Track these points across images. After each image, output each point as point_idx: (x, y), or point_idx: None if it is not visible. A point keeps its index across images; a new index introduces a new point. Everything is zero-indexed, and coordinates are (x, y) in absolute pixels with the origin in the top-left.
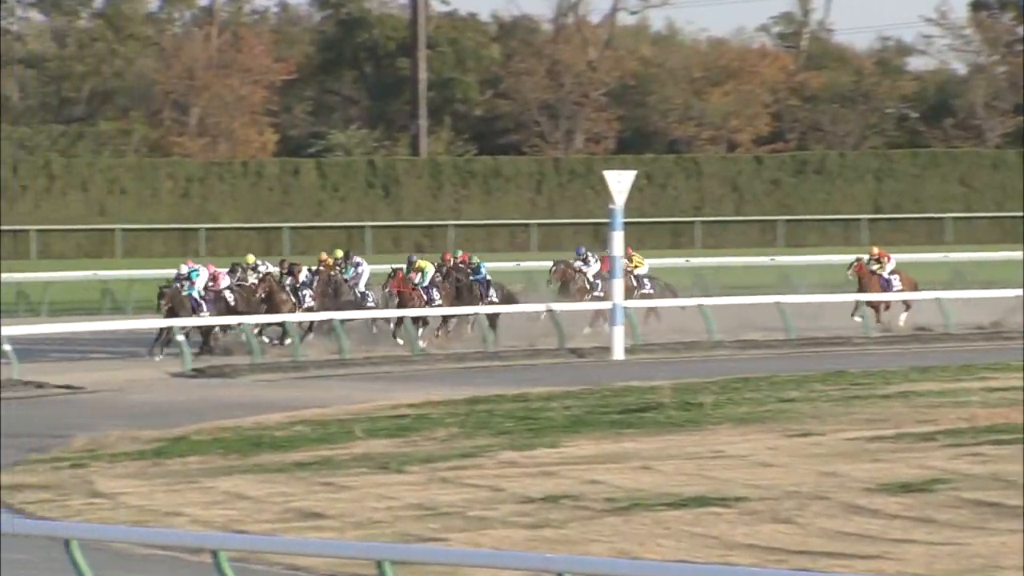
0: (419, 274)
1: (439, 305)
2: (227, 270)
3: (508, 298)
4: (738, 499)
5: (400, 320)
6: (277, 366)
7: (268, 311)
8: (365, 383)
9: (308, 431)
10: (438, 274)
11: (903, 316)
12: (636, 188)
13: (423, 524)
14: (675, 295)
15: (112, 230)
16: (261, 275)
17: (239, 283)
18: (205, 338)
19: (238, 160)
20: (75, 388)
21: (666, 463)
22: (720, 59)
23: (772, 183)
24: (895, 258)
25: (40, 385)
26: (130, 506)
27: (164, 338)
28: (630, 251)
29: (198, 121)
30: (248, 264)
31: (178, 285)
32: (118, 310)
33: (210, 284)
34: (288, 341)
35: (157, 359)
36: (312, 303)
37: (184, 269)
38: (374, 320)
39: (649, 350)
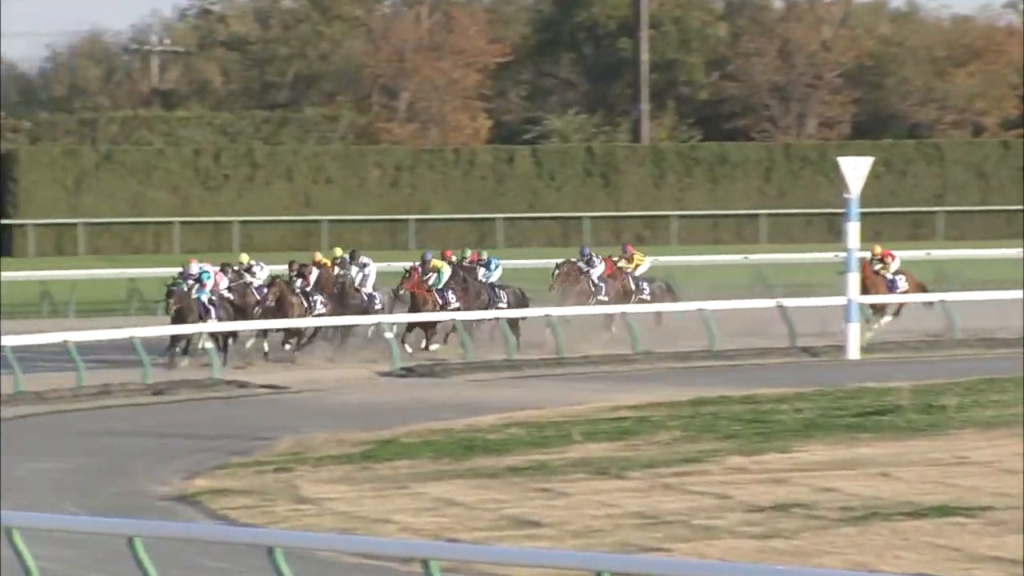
0: (434, 275)
1: (456, 308)
2: (217, 269)
3: (521, 301)
4: (983, 508)
5: (411, 325)
6: (490, 365)
7: (278, 317)
8: (582, 383)
9: (523, 434)
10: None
11: (884, 320)
12: (873, 175)
13: (645, 533)
14: (675, 297)
15: (317, 221)
16: (270, 279)
17: (230, 286)
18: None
19: (449, 147)
20: (279, 388)
21: (905, 470)
22: (964, 37)
23: (1020, 170)
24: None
25: (243, 385)
26: (336, 512)
27: (182, 345)
28: (630, 249)
29: (408, 106)
30: (242, 264)
31: (187, 287)
32: None
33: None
34: (287, 347)
35: (183, 364)
36: (323, 309)
37: (194, 268)
38: (393, 326)
39: (886, 349)
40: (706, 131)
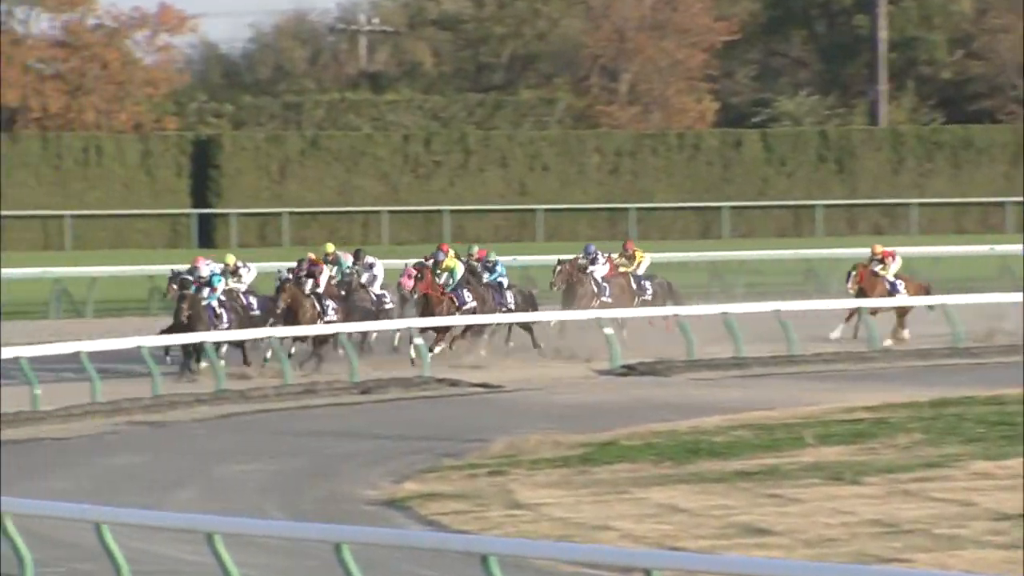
0: (447, 274)
1: (471, 310)
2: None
3: (529, 302)
4: None
5: (424, 329)
6: (715, 363)
7: (288, 324)
8: (814, 383)
9: (751, 436)
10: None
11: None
12: None
13: (883, 543)
14: (677, 295)
15: (533, 211)
16: (279, 281)
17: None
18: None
19: (673, 131)
20: (492, 387)
21: None
22: None
23: None
24: None
25: (454, 383)
26: (553, 518)
27: (194, 352)
28: (631, 247)
29: (629, 88)
30: (227, 265)
31: (196, 291)
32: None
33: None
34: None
35: (196, 378)
36: (335, 316)
37: (204, 270)
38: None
39: None
40: (949, 113)
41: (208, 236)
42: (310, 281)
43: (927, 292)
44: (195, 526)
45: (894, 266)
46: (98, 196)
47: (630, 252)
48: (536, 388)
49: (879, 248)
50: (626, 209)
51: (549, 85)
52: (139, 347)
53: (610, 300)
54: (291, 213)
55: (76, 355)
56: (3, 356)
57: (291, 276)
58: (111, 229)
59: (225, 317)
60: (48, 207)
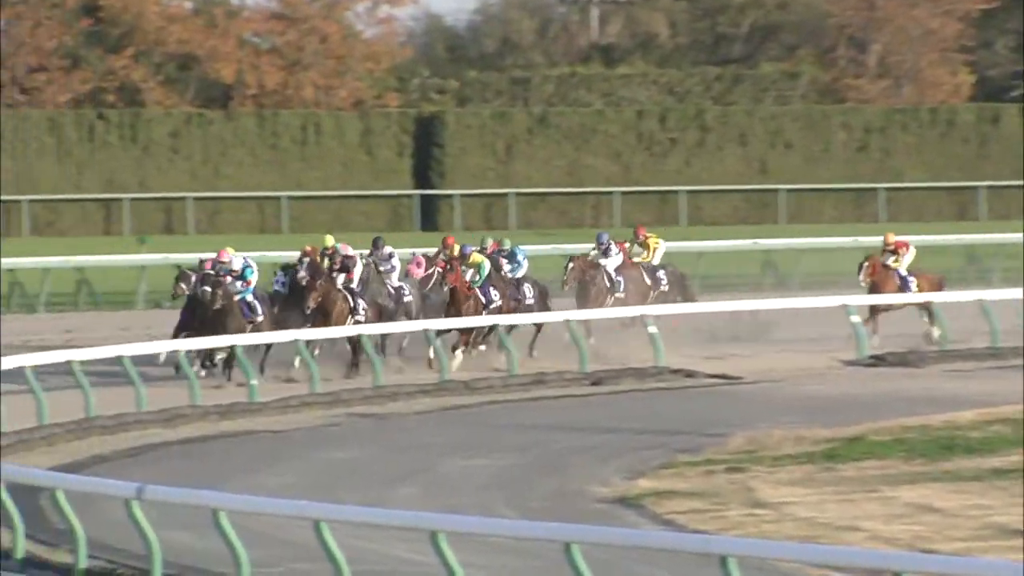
0: (473, 270)
1: (497, 309)
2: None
3: (546, 296)
4: None
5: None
6: (971, 353)
7: (319, 324)
8: None
9: (1008, 432)
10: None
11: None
12: None
13: None
14: (687, 291)
15: (775, 191)
16: (304, 272)
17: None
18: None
19: (925, 106)
20: (731, 378)
21: None
22: None
23: None
24: None
25: (690, 374)
26: (797, 518)
27: (205, 355)
28: (643, 232)
29: (878, 60)
30: (224, 263)
31: (229, 284)
32: (781, 285)
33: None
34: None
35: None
36: (363, 315)
37: (236, 263)
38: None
39: None
40: None
41: (431, 218)
42: (342, 276)
43: (940, 287)
44: (418, 524)
45: (907, 258)
46: (316, 176)
47: (642, 239)
48: (777, 380)
49: (892, 237)
50: (874, 189)
51: (792, 57)
52: (359, 336)
53: (623, 295)
54: (518, 194)
55: (293, 344)
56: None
57: (307, 270)
58: (330, 211)
59: (259, 310)
60: (265, 188)
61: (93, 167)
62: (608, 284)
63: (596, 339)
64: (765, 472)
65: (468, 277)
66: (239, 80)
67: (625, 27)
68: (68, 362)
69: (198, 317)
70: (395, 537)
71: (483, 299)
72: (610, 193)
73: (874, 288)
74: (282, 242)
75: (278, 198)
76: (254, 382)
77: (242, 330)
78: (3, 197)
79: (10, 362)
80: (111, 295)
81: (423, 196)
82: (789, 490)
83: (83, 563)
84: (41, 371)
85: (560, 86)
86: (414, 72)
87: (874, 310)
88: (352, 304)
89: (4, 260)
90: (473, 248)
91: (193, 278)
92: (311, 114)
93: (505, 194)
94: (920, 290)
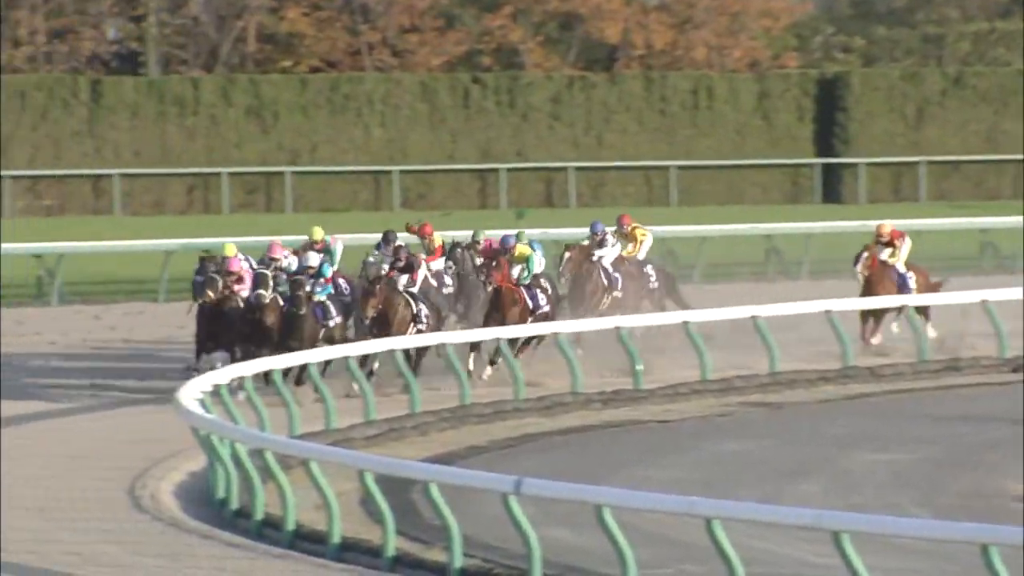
0: (522, 266)
1: (545, 314)
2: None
3: (560, 302)
4: None
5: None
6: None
7: (379, 334)
8: None
9: None
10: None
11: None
12: None
13: None
14: (673, 280)
15: None
16: (368, 275)
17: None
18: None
19: None
20: None
21: None
22: None
23: None
24: None
25: None
26: None
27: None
28: (626, 219)
29: None
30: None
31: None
32: None
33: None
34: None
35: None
36: (425, 322)
37: (312, 259)
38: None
39: None
40: None
41: (833, 189)
42: (404, 277)
43: (935, 288)
44: (819, 523)
45: (904, 251)
46: (708, 144)
47: (627, 229)
48: None
49: (887, 227)
50: None
51: None
52: (753, 317)
53: (621, 295)
54: (929, 163)
55: (682, 325)
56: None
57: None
58: (721, 182)
59: (333, 312)
60: (652, 157)
61: (467, 135)
62: (605, 282)
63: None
64: None
65: (519, 275)
66: (625, 40)
67: None
68: (442, 345)
69: (247, 325)
70: (794, 537)
71: (529, 302)
72: None
73: (870, 287)
74: (669, 215)
75: (666, 168)
76: (639, 367)
77: (315, 338)
78: (373, 168)
79: (382, 345)
80: None
81: (825, 165)
82: None
83: (458, 562)
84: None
85: (977, 43)
86: (816, 29)
87: (874, 312)
88: (415, 310)
89: (377, 235)
90: (514, 238)
91: (247, 279)
92: (703, 76)
93: (915, 162)
94: (919, 288)
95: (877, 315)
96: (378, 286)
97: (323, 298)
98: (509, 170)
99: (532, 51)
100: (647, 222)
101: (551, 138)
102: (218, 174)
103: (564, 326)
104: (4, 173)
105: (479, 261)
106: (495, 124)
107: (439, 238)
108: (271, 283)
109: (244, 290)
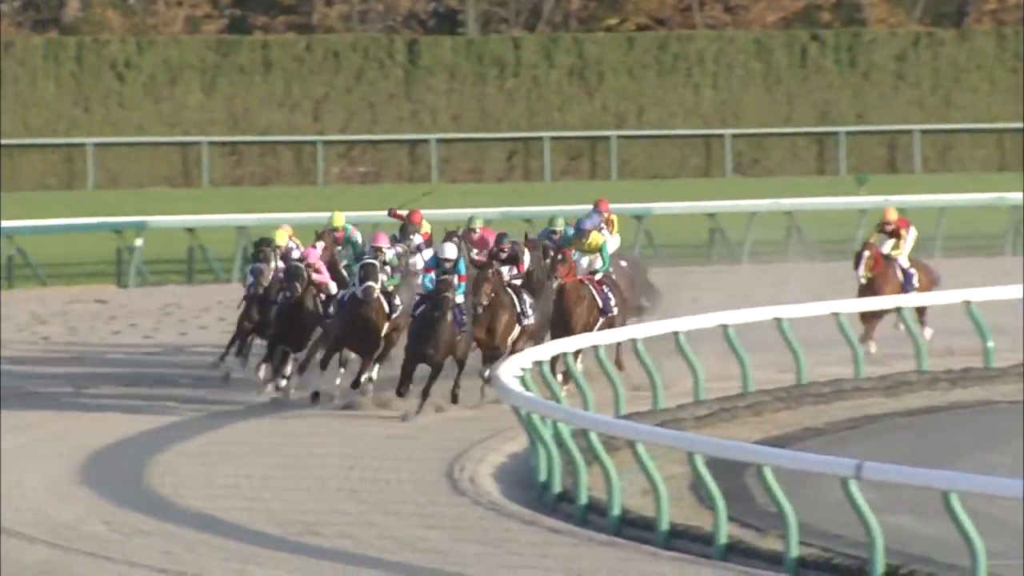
0: (594, 256)
1: (610, 314)
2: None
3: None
4: None
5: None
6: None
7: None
8: None
9: None
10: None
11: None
12: None
13: None
14: (650, 284)
15: None
16: (477, 258)
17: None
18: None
19: None
20: None
21: None
22: None
23: None
24: None
25: None
26: None
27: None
28: (604, 205)
29: None
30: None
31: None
32: None
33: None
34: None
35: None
36: (532, 316)
37: (450, 251)
38: None
39: None
40: None
41: None
42: (510, 268)
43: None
44: None
45: (909, 243)
46: None
47: (606, 217)
48: None
49: (893, 213)
50: None
51: None
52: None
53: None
54: None
55: None
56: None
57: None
58: None
59: (395, 301)
60: (1004, 118)
61: (805, 96)
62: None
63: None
64: None
65: (586, 266)
66: None
67: None
68: (777, 320)
69: (350, 321)
70: None
71: (599, 302)
72: None
73: (872, 287)
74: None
75: (1020, 131)
76: (990, 344)
77: (451, 345)
78: (704, 131)
79: (708, 320)
80: (824, 243)
81: None
82: None
83: (794, 551)
84: (745, 329)
85: None
86: None
87: (873, 314)
88: (521, 307)
89: (708, 203)
90: (594, 222)
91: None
92: None
93: None
94: (921, 286)
95: (874, 317)
96: (490, 271)
97: (459, 298)
98: (849, 133)
99: (875, 6)
100: (999, 189)
101: (895, 99)
102: (540, 139)
103: (909, 299)
104: (318, 138)
105: (474, 253)
106: (834, 84)
107: (427, 225)
108: (379, 275)
109: (326, 282)
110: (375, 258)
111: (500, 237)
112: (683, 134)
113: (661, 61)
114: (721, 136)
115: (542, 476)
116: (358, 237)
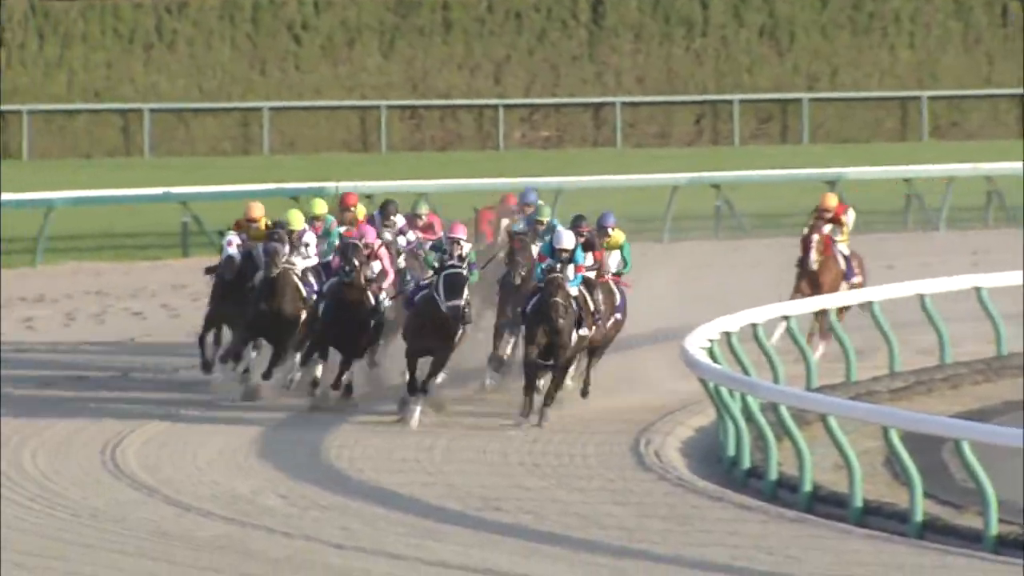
0: (616, 254)
1: (618, 322)
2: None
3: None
4: None
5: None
6: None
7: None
8: None
9: None
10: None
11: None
12: None
13: None
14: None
15: None
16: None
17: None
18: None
19: None
20: None
21: None
22: None
23: None
24: None
25: None
26: None
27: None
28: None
29: None
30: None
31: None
32: None
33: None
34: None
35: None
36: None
37: (567, 240)
38: None
39: None
40: None
41: None
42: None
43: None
44: None
45: (849, 228)
46: None
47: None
48: None
49: (832, 200)
50: None
51: None
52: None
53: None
54: None
55: None
56: None
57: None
58: None
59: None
60: None
61: (1006, 57)
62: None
63: None
64: None
65: (618, 268)
66: None
67: None
68: (976, 288)
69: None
70: None
71: (618, 296)
72: None
73: (814, 277)
74: None
75: None
76: None
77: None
78: (900, 93)
79: (905, 289)
80: None
81: None
82: None
83: (993, 529)
84: (942, 299)
85: None
86: None
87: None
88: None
89: (904, 168)
90: (613, 221)
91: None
92: None
93: None
94: (861, 282)
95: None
96: (518, 245)
97: (573, 291)
98: None
99: None
100: None
101: None
102: (729, 102)
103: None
104: (499, 102)
105: (414, 237)
106: None
107: (363, 209)
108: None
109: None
110: (452, 252)
111: (577, 219)
112: (878, 96)
113: (855, 20)
114: (918, 98)
115: (730, 451)
116: (339, 230)
